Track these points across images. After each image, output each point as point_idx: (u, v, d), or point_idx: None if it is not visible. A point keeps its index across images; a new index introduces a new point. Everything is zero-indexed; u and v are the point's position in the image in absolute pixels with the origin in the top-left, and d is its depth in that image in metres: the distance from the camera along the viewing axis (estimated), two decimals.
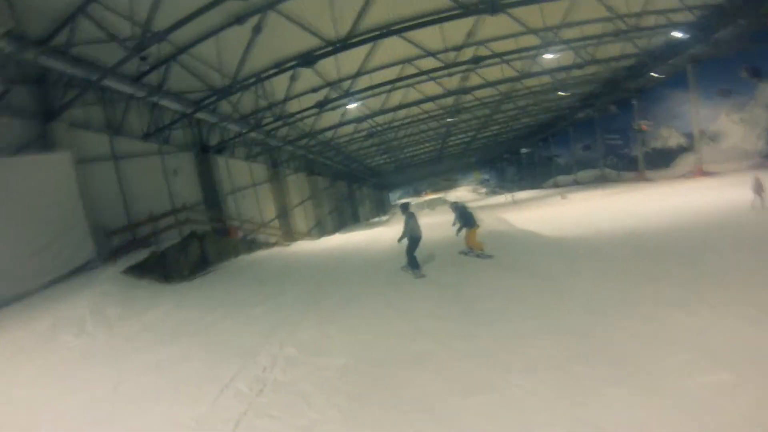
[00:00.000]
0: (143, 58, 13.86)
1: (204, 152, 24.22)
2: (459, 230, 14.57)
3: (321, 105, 21.91)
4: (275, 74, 19.33)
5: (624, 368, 5.50)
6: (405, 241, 12.65)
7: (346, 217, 59.36)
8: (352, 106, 24.44)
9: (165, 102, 19.34)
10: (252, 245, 22.00)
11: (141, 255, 14.60)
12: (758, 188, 16.53)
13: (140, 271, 13.76)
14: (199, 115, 22.04)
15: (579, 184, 54.29)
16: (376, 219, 66.16)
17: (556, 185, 59.48)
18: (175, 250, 15.86)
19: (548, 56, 23.71)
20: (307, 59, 16.86)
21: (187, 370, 7.17)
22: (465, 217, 14.38)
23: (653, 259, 10.73)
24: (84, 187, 14.99)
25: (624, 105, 42.02)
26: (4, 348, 8.62)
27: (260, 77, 19.54)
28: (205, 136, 24.69)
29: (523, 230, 18.69)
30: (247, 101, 22.81)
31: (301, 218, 39.58)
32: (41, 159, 13.78)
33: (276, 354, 7.48)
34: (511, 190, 78.22)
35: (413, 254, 12.44)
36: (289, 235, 32.84)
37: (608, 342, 6.39)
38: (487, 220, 22.35)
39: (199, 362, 7.44)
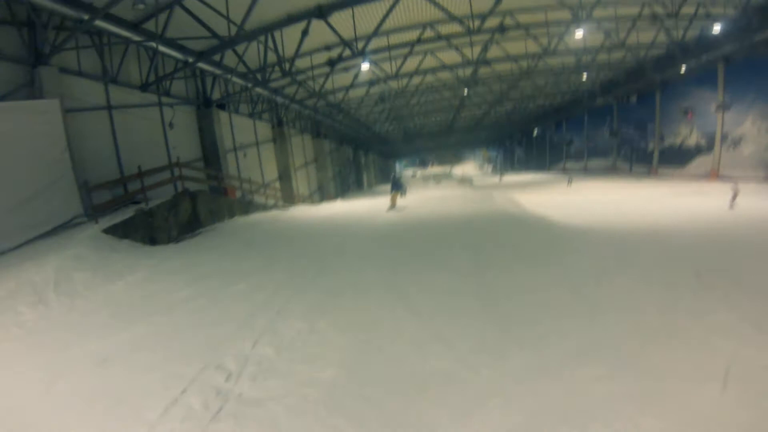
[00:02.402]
0: None
1: (206, 106, 23.04)
2: (392, 191, 22.20)
3: (333, 63, 20.60)
4: (286, 24, 17.97)
5: None
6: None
7: (350, 183, 58.47)
8: (365, 66, 23.04)
9: (166, 50, 17.92)
10: (249, 206, 20.80)
11: (126, 213, 13.39)
12: (735, 194, 19.27)
13: (124, 230, 12.59)
14: (203, 66, 20.74)
15: (588, 171, 52.78)
16: (379, 187, 65.20)
17: (565, 170, 57.87)
18: (164, 208, 14.57)
19: (577, 34, 22.42)
20: (321, 10, 15.50)
21: (136, 366, 5.81)
22: (396, 185, 22.48)
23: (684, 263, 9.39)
24: (74, 138, 13.75)
25: (644, 97, 40.36)
26: None
27: (270, 29, 18.22)
28: (209, 89, 23.45)
29: (537, 216, 17.47)
30: (254, 55, 21.48)
31: (303, 181, 38.71)
32: (26, 105, 12.49)
33: (248, 354, 6.04)
34: (517, 170, 77.93)
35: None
36: (290, 197, 31.86)
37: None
38: (499, 200, 21.36)
39: (152, 356, 6.07)
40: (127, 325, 7.24)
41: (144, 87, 18.70)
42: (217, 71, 21.75)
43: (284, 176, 33.52)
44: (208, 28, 17.55)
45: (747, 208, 17.51)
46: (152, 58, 18.75)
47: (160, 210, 14.28)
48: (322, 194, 43.01)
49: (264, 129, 31.81)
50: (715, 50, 27.62)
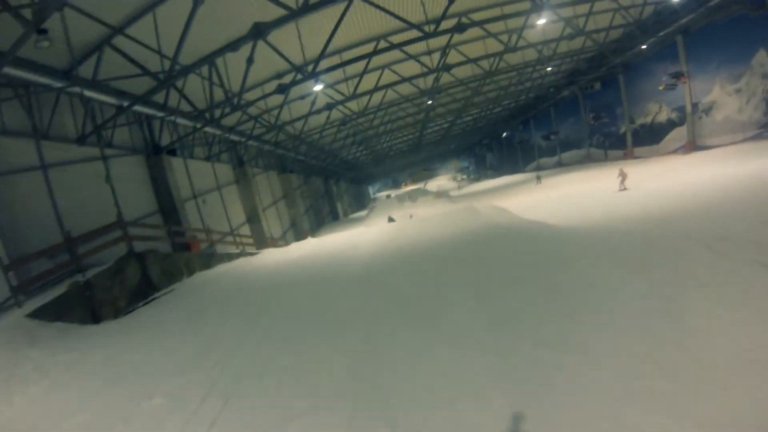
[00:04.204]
0: (41, 32, 10.63)
1: (156, 154, 21.10)
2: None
3: (283, 89, 18.74)
4: (225, 50, 16.01)
5: None
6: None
7: (324, 215, 56.80)
8: (318, 87, 21.29)
9: (94, 95, 15.67)
10: (210, 259, 18.60)
11: (58, 289, 11.29)
12: (623, 177, 24.07)
13: (57, 309, 10.52)
14: (142, 109, 18.47)
15: (564, 165, 53.35)
16: (356, 215, 63.70)
17: (540, 168, 57.36)
18: (106, 277, 12.44)
19: (539, 21, 21.49)
20: (259, 28, 13.68)
21: None
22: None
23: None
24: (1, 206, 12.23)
25: (608, 82, 41.20)
26: None
27: (211, 58, 16.39)
28: (156, 135, 21.59)
29: (532, 222, 15.64)
30: (201, 93, 19.70)
31: (274, 220, 36.93)
32: None
33: None
34: (491, 176, 77.58)
35: None
36: (262, 240, 29.98)
37: None
38: (484, 212, 19.54)
39: None
40: None
41: (81, 140, 16.67)
42: (159, 113, 19.64)
43: (253, 218, 31.67)
44: (140, 66, 15.81)
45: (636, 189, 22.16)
46: (86, 108, 16.76)
47: (100, 280, 12.12)
48: (297, 231, 41.37)
49: (224, 171, 30.02)
50: (673, 24, 27.80)
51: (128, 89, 17.16)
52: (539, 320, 6.90)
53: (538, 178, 44.18)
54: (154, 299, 13.50)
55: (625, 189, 23.41)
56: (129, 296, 13.01)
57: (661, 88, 32.93)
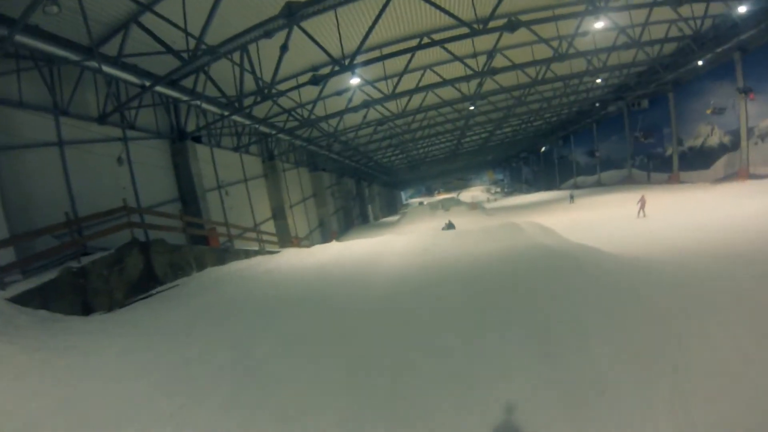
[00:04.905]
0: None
1: (180, 140, 20.23)
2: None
3: (317, 80, 17.51)
4: (255, 30, 14.85)
5: None
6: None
7: (354, 217, 55.75)
8: (355, 81, 20.06)
9: (125, 75, 14.94)
10: (225, 254, 17.42)
11: (47, 275, 10.33)
12: (642, 204, 24.91)
13: (43, 296, 9.59)
14: (164, 91, 17.44)
15: (603, 185, 51.22)
16: (386, 219, 62.76)
17: (577, 187, 55.45)
18: (103, 265, 11.42)
19: (594, 26, 20.67)
20: (291, 9, 12.49)
21: None
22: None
23: None
24: (10, 181, 11.80)
25: (656, 100, 39.05)
26: None
27: (240, 39, 15.36)
28: (183, 120, 20.75)
29: (584, 246, 13.75)
30: (230, 79, 18.76)
31: (301, 218, 36.07)
32: None
33: None
34: (526, 191, 76.21)
35: None
36: (285, 238, 29.03)
37: None
38: (528, 231, 17.98)
39: None
40: None
41: (102, 119, 15.82)
42: (184, 97, 18.67)
43: (278, 215, 30.79)
44: (163, 44, 14.86)
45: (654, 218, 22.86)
46: (109, 85, 15.93)
47: (96, 268, 11.14)
48: (325, 231, 40.69)
49: (253, 164, 29.24)
50: (731, 39, 25.98)
51: (155, 70, 16.39)
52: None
53: (572, 197, 43.03)
54: (155, 294, 12.52)
55: (644, 216, 24.23)
56: (127, 288, 12.04)
57: (708, 111, 31.28)
